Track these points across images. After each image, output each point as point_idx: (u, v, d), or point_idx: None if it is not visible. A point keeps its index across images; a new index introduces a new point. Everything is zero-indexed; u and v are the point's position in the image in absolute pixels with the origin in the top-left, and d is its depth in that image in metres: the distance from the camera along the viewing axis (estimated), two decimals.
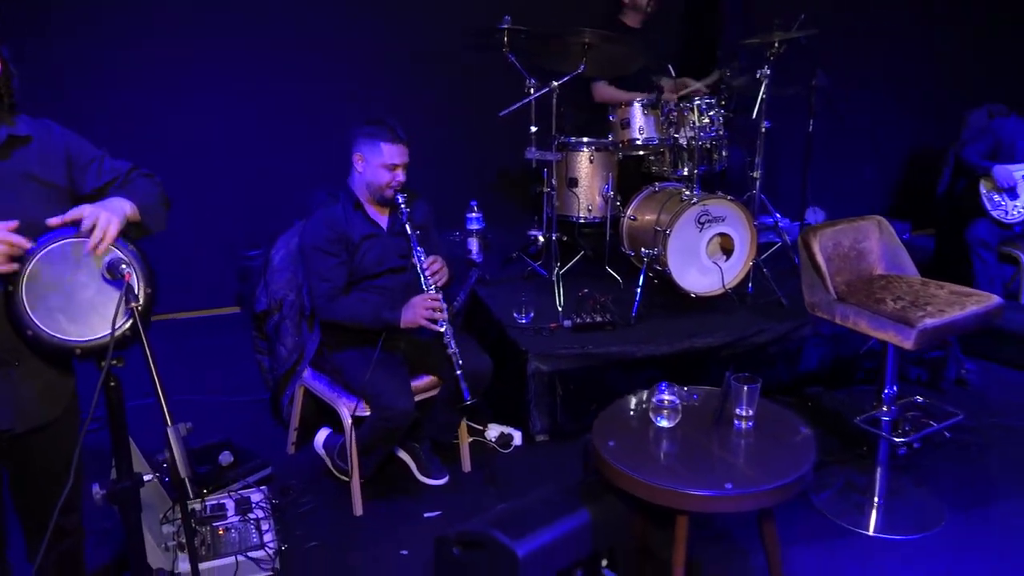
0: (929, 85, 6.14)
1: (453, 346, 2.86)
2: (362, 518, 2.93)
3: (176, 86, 4.68)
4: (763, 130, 4.11)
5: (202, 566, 2.45)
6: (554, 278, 3.90)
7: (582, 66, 3.91)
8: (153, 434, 2.91)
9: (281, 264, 3.21)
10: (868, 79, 5.98)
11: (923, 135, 6.17)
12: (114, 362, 1.69)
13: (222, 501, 2.75)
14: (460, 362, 2.84)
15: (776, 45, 4.06)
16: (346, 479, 2.97)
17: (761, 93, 4.02)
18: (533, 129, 3.98)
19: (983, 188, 4.55)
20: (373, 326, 2.91)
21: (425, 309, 2.84)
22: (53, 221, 1.66)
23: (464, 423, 3.21)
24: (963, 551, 2.69)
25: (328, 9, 4.89)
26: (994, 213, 4.53)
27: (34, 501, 1.96)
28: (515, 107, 3.85)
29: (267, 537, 2.62)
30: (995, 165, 4.47)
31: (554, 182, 4.00)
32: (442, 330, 2.86)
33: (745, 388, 2.33)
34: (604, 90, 4.54)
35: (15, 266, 1.60)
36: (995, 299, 2.74)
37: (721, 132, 3.99)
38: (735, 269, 3.81)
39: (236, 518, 2.69)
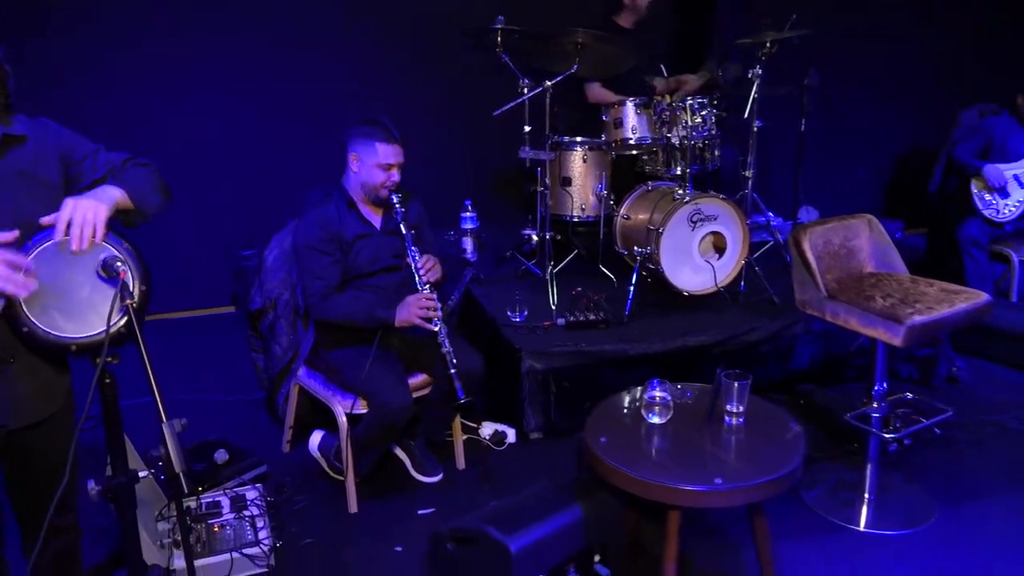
0: (922, 84, 6.17)
1: (447, 345, 2.87)
2: (356, 515, 2.95)
3: (173, 86, 4.69)
4: (755, 129, 4.14)
5: (197, 563, 2.47)
6: (548, 277, 3.92)
7: (575, 66, 3.93)
8: (148, 433, 2.92)
9: (275, 263, 3.22)
10: (861, 79, 6.01)
11: (916, 134, 6.21)
12: (109, 359, 1.70)
13: (217, 499, 2.77)
14: (454, 361, 2.86)
15: (768, 45, 4.09)
16: (342, 479, 2.99)
17: (753, 93, 4.05)
18: (527, 129, 3.99)
19: (974, 187, 4.58)
20: (367, 325, 2.93)
21: (419, 308, 2.86)
22: (46, 220, 1.67)
23: (458, 421, 3.23)
24: (953, 546, 2.72)
25: (324, 10, 4.90)
26: (985, 212, 4.56)
27: (30, 498, 1.97)
28: (509, 107, 3.87)
29: (262, 534, 2.64)
30: (986, 164, 4.50)
31: (548, 181, 4.02)
32: (436, 329, 2.88)
33: (736, 384, 2.35)
34: (597, 91, 4.56)
35: (22, 289, 1.60)
36: (984, 296, 2.77)
37: (714, 132, 4.01)
38: (727, 268, 3.83)
39: (231, 515, 2.71)
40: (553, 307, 3.77)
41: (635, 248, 3.80)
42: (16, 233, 1.63)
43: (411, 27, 5.07)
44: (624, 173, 4.41)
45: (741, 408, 2.38)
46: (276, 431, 3.43)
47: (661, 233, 3.63)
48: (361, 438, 2.91)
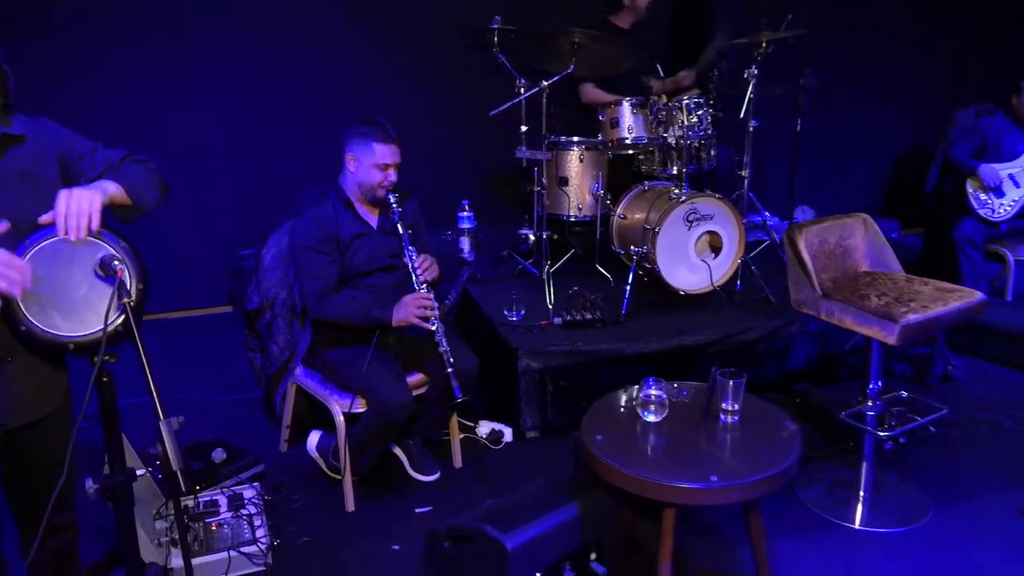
0: (919, 84, 6.19)
1: (444, 344, 2.88)
2: (354, 514, 2.96)
3: (172, 86, 4.70)
4: (751, 129, 4.16)
5: (195, 561, 2.47)
6: (545, 276, 3.93)
7: (572, 66, 3.94)
8: (145, 432, 2.93)
9: (272, 263, 3.23)
10: (857, 78, 6.03)
11: (913, 134, 6.22)
12: (107, 357, 1.71)
13: (215, 497, 2.78)
14: (451, 360, 2.87)
15: (764, 45, 4.10)
16: (340, 478, 2.99)
17: (749, 93, 4.06)
18: (523, 128, 4.01)
19: (970, 187, 4.60)
20: (364, 324, 2.94)
21: (417, 307, 2.87)
22: (45, 218, 1.68)
23: (455, 420, 3.24)
24: (947, 544, 2.73)
25: (321, 10, 4.91)
26: (981, 212, 4.58)
27: (28, 496, 1.97)
28: (505, 107, 3.88)
29: (259, 533, 2.65)
30: (981, 164, 4.52)
31: (544, 181, 4.03)
32: (433, 328, 2.89)
33: (731, 383, 2.36)
34: (591, 91, 4.58)
35: (15, 288, 1.60)
36: (978, 295, 2.78)
37: (710, 131, 4.02)
38: (723, 267, 3.84)
39: (229, 514, 2.71)
40: (550, 306, 3.78)
41: (631, 247, 3.81)
42: (8, 224, 1.64)
43: (408, 27, 5.08)
44: (621, 173, 4.42)
45: (736, 406, 2.39)
46: (273, 430, 3.44)
47: (657, 232, 3.64)
48: (360, 437, 2.92)
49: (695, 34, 5.42)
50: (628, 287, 3.75)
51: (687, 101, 3.92)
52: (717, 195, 3.78)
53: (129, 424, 2.03)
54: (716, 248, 3.84)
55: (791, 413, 2.48)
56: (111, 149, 1.96)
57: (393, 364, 2.97)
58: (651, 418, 2.39)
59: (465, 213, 4.48)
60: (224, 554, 2.55)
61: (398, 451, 3.23)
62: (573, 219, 4.28)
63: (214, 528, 2.65)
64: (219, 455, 3.05)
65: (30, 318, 1.64)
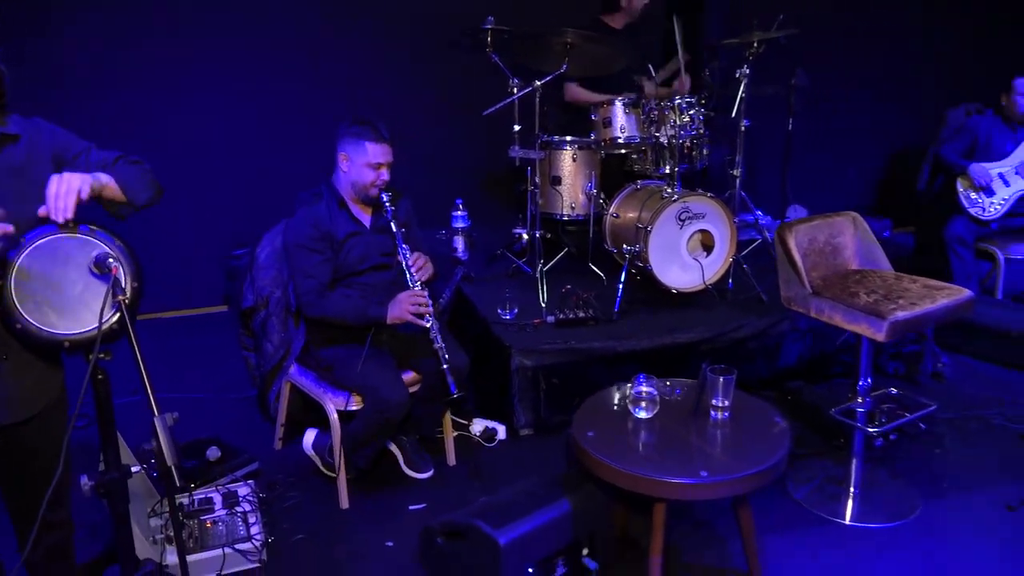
0: (910, 84, 6.23)
1: (439, 341, 2.90)
2: (348, 511, 2.97)
3: (169, 87, 4.71)
4: (743, 129, 4.18)
5: (190, 558, 2.48)
6: (538, 275, 3.95)
7: (564, 66, 3.96)
8: (140, 431, 2.95)
9: (267, 261, 3.24)
10: (849, 78, 6.06)
11: (904, 133, 6.26)
12: (102, 355, 1.72)
13: (209, 495, 2.79)
14: (447, 356, 2.89)
15: (755, 45, 4.13)
16: (335, 476, 3.00)
17: (740, 92, 4.09)
18: (516, 128, 4.03)
19: (960, 186, 4.63)
20: (359, 322, 2.95)
21: (411, 304, 2.89)
22: (43, 211, 1.70)
23: (449, 418, 3.26)
24: (936, 539, 2.76)
25: (316, 11, 4.93)
26: (971, 211, 4.61)
27: (23, 493, 1.99)
28: (499, 106, 3.90)
29: (254, 530, 2.66)
30: (971, 164, 4.55)
31: (538, 180, 4.05)
32: (428, 325, 2.91)
33: (721, 379, 2.39)
34: (575, 90, 4.60)
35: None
36: (966, 292, 2.81)
37: (702, 131, 4.05)
38: (715, 265, 3.87)
39: (223, 511, 2.72)
40: (543, 305, 3.80)
41: (624, 246, 3.83)
42: (11, 227, 1.66)
43: (402, 28, 5.10)
44: (613, 172, 4.44)
45: (727, 403, 2.42)
46: (268, 429, 3.45)
47: (649, 231, 3.67)
48: (358, 435, 2.93)
49: (687, 36, 5.44)
50: (621, 285, 3.78)
51: (679, 101, 3.95)
52: (709, 194, 3.80)
53: (124, 422, 2.05)
54: (708, 247, 3.86)
55: (782, 410, 2.51)
56: (104, 150, 1.98)
57: (388, 361, 2.99)
58: (642, 414, 2.41)
59: (459, 212, 4.49)
60: (219, 551, 2.56)
61: (394, 448, 3.24)
62: (566, 218, 4.30)
63: (209, 525, 2.66)
64: (214, 453, 3.07)
65: (25, 316, 1.66)
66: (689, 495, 2.16)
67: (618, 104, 4.04)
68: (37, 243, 1.68)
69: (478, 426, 3.49)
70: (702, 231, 3.82)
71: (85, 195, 1.71)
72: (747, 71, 4.08)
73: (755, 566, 2.50)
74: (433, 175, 5.14)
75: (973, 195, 4.59)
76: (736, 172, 4.25)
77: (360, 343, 2.96)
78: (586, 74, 4.39)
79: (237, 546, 2.59)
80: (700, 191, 3.85)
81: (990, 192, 4.55)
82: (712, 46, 4.99)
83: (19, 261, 1.66)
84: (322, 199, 3.01)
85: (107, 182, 1.83)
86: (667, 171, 3.96)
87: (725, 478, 2.13)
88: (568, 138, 4.22)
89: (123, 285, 1.69)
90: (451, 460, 3.28)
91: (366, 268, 3.03)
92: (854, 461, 2.96)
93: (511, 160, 4.02)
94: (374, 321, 2.94)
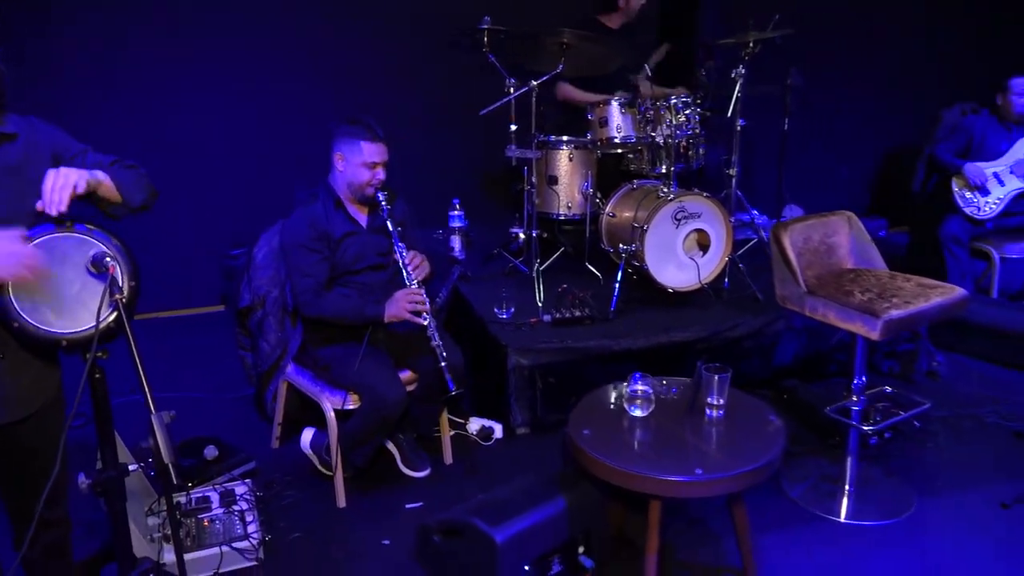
0: (906, 83, 6.24)
1: (437, 339, 2.91)
2: (345, 510, 2.98)
3: (168, 87, 4.72)
4: (738, 128, 4.19)
5: (187, 556, 2.50)
6: (535, 274, 3.96)
7: (560, 66, 3.98)
8: (137, 430, 2.97)
9: (264, 261, 3.25)
10: (845, 78, 6.08)
11: (900, 133, 6.27)
12: (99, 354, 1.74)
13: (207, 494, 2.80)
14: (444, 354, 2.90)
15: (751, 45, 4.14)
16: (332, 474, 3.01)
17: (736, 92, 4.10)
18: (513, 128, 4.04)
19: (955, 186, 4.64)
20: (356, 321, 2.96)
21: (408, 303, 2.91)
22: (40, 204, 1.71)
23: (445, 417, 3.27)
24: (930, 536, 2.78)
25: (311, 11, 4.93)
26: (966, 210, 4.62)
27: (20, 492, 2.00)
28: (495, 106, 3.91)
29: (251, 528, 2.68)
30: (966, 163, 4.57)
31: (534, 180, 4.06)
32: (425, 323, 2.92)
33: (716, 378, 2.40)
34: (567, 90, 4.61)
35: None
36: (959, 291, 2.83)
37: (697, 130, 4.06)
38: (711, 264, 3.88)
39: (220, 510, 2.74)
40: (540, 304, 3.81)
41: (620, 245, 3.84)
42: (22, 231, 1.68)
43: (399, 28, 5.11)
44: (610, 171, 4.45)
45: (722, 401, 2.43)
46: (265, 428, 3.46)
47: (646, 231, 3.68)
48: (356, 433, 2.94)
49: (682, 36, 5.47)
50: (617, 285, 3.79)
51: (675, 100, 3.96)
52: (705, 193, 3.82)
53: (121, 422, 2.06)
54: (704, 246, 3.87)
55: (778, 409, 2.52)
56: (101, 153, 1.99)
57: (385, 360, 3.00)
58: (638, 413, 2.42)
59: (456, 212, 4.51)
60: (216, 549, 2.58)
61: (391, 446, 3.25)
62: (563, 217, 4.31)
63: (206, 524, 2.68)
64: (211, 452, 3.07)
65: (23, 315, 1.67)
66: (684, 493, 2.17)
67: (614, 104, 4.05)
68: (35, 242, 1.69)
69: (475, 425, 3.50)
70: (698, 230, 3.83)
71: (81, 189, 1.72)
72: (743, 71, 4.09)
73: (750, 563, 2.51)
74: (430, 175, 5.15)
75: (968, 194, 4.60)
76: (732, 172, 4.26)
77: (357, 342, 2.97)
78: (582, 74, 4.39)
79: (234, 544, 2.61)
80: (696, 190, 3.87)
81: (985, 191, 4.56)
82: (708, 46, 5.01)
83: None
84: (318, 199, 3.02)
85: (103, 179, 1.84)
86: (663, 171, 3.97)
87: (720, 476, 2.14)
88: (565, 138, 4.23)
89: (120, 284, 1.71)
90: (448, 459, 3.29)
91: (362, 268, 3.04)
92: (849, 459, 2.97)
93: (508, 160, 4.03)
94: (371, 320, 2.95)
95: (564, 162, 4.23)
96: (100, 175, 1.84)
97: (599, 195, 4.19)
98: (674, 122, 3.93)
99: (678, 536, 2.76)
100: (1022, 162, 4.52)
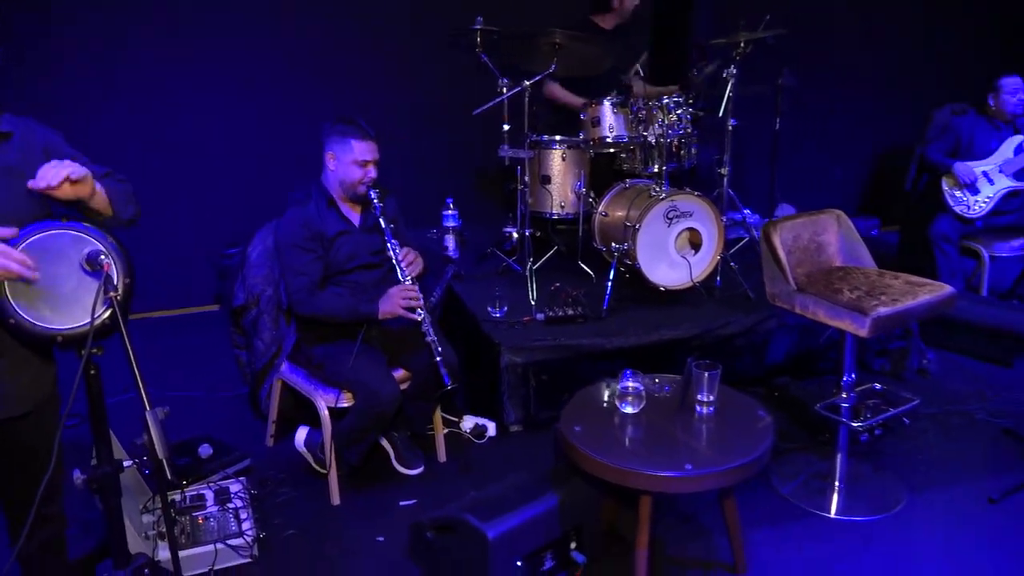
0: (898, 84, 6.28)
1: (432, 334, 2.93)
2: (339, 507, 3.00)
3: (164, 87, 4.73)
4: (730, 128, 4.22)
5: (182, 554, 2.51)
6: (528, 273, 3.98)
7: (553, 66, 4.00)
8: (132, 429, 2.95)
9: (258, 260, 3.27)
10: (838, 78, 6.11)
11: (892, 133, 6.31)
12: (94, 350, 1.76)
13: (201, 492, 2.82)
14: (439, 349, 2.92)
15: (743, 45, 4.17)
16: (326, 472, 3.03)
17: (728, 92, 4.13)
18: (506, 127, 4.06)
19: (945, 185, 4.68)
20: (350, 319, 2.98)
21: (402, 299, 2.93)
22: (32, 183, 1.73)
23: (439, 415, 3.29)
24: (918, 531, 2.81)
25: (306, 11, 4.95)
26: (956, 209, 4.66)
27: (16, 488, 2.01)
28: (488, 106, 3.93)
29: (245, 525, 2.69)
30: (956, 162, 4.60)
31: (527, 179, 4.08)
32: (420, 319, 2.94)
33: (706, 374, 2.42)
34: (556, 90, 4.63)
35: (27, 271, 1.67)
36: (947, 288, 2.86)
37: (689, 130, 4.08)
38: (703, 263, 3.91)
39: (215, 508, 2.76)
40: (533, 303, 3.83)
41: (613, 244, 3.86)
42: (14, 230, 1.69)
43: (393, 28, 5.13)
44: (603, 171, 4.48)
45: (711, 397, 2.45)
46: (260, 426, 3.47)
47: (638, 229, 3.70)
48: (350, 431, 2.96)
49: (675, 36, 5.49)
50: (610, 283, 3.81)
51: (667, 100, 3.99)
52: (696, 192, 3.84)
53: (115, 420, 2.07)
54: (696, 245, 3.90)
55: (770, 406, 2.55)
56: (95, 164, 2.01)
57: (379, 358, 3.02)
58: (628, 409, 2.45)
59: (450, 211, 4.52)
60: (211, 546, 2.60)
61: (385, 444, 3.27)
62: (556, 217, 4.33)
63: (201, 521, 2.69)
64: (206, 451, 3.09)
65: (19, 311, 1.69)
66: (674, 488, 2.20)
67: (606, 104, 4.07)
68: (30, 239, 1.70)
69: (468, 423, 3.52)
70: (690, 229, 3.86)
71: (76, 176, 1.73)
72: (734, 71, 4.11)
73: (740, 558, 2.55)
74: (424, 174, 5.18)
75: (958, 193, 4.64)
76: (724, 171, 4.29)
77: (351, 340, 2.99)
78: (575, 74, 4.42)
79: (229, 542, 2.62)
80: (688, 190, 3.89)
81: (975, 190, 4.60)
82: (701, 46, 5.03)
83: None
84: (311, 199, 3.04)
85: (98, 189, 1.86)
86: (655, 170, 3.99)
87: (709, 471, 2.17)
88: (557, 137, 4.25)
89: (115, 281, 1.73)
90: (442, 457, 3.31)
91: (355, 267, 3.06)
92: (839, 456, 3.00)
93: (501, 159, 4.05)
94: (365, 317, 2.96)
95: (557, 162, 4.25)
96: (97, 184, 1.85)
97: (592, 194, 4.21)
98: (666, 122, 3.95)
99: (669, 532, 2.78)
100: (1011, 161, 4.55)
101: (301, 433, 3.28)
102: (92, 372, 1.80)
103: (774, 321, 3.80)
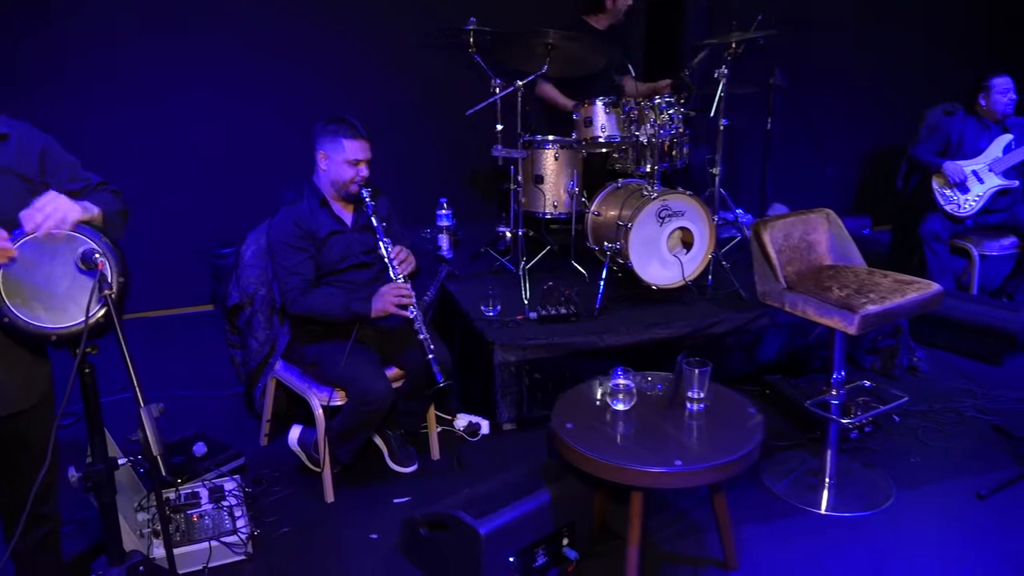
0: (890, 83, 6.30)
1: (424, 332, 2.95)
2: (333, 505, 3.02)
3: (157, 87, 4.73)
4: (721, 128, 4.25)
5: (177, 551, 2.53)
6: (521, 272, 4.00)
7: (545, 66, 4.02)
8: (127, 428, 3.00)
9: (252, 259, 3.28)
10: (832, 78, 6.13)
11: (885, 133, 6.34)
12: (88, 349, 1.77)
13: (196, 489, 2.83)
14: (431, 347, 2.94)
15: (734, 45, 4.19)
16: (320, 470, 3.04)
17: (719, 92, 4.15)
18: (499, 127, 4.08)
19: (935, 184, 4.71)
20: (343, 318, 3.00)
21: (394, 296, 2.95)
22: (23, 215, 1.74)
23: (432, 413, 3.31)
24: (907, 526, 2.84)
25: (302, 11, 4.96)
26: (946, 207, 4.68)
27: (11, 486, 2.02)
28: (481, 106, 3.95)
29: (240, 523, 2.71)
30: (945, 161, 4.63)
31: (520, 179, 4.10)
32: (412, 316, 2.96)
33: (696, 371, 2.45)
34: (547, 90, 4.65)
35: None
36: (935, 286, 2.88)
37: (681, 130, 4.11)
38: (695, 262, 3.93)
39: (210, 506, 2.77)
40: (526, 301, 3.85)
41: (605, 244, 3.88)
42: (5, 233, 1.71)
43: (386, 28, 5.14)
44: (595, 171, 4.50)
45: (702, 394, 2.48)
46: (254, 425, 3.49)
47: (630, 228, 3.73)
48: (343, 428, 2.98)
49: (668, 36, 5.52)
50: (602, 282, 3.83)
51: (658, 100, 4.01)
52: (688, 192, 3.87)
53: (110, 420, 2.09)
54: (688, 244, 3.92)
55: (761, 404, 2.57)
56: (89, 171, 2.03)
57: (371, 357, 3.03)
58: (620, 406, 2.47)
59: (443, 211, 4.54)
60: (205, 544, 2.62)
61: (379, 442, 3.29)
62: (549, 216, 4.35)
63: (195, 519, 2.71)
64: (200, 449, 3.11)
65: (13, 310, 1.70)
66: (664, 483, 2.22)
67: (599, 104, 4.09)
68: (26, 239, 1.72)
69: (462, 421, 3.54)
70: (682, 228, 3.88)
71: (67, 225, 1.75)
72: (725, 71, 4.14)
73: (731, 553, 2.57)
74: (418, 174, 5.19)
75: (948, 192, 4.66)
76: (715, 171, 4.31)
77: (344, 339, 3.00)
78: (567, 75, 4.44)
79: (223, 539, 2.64)
80: (680, 189, 3.92)
81: (964, 189, 4.63)
82: (695, 47, 5.06)
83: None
84: (303, 198, 3.06)
85: (96, 214, 1.87)
86: (647, 170, 4.01)
87: (699, 467, 2.19)
88: (550, 137, 4.27)
89: (109, 280, 1.74)
90: (435, 454, 3.33)
91: (348, 266, 3.08)
92: (828, 452, 3.03)
93: (495, 159, 4.07)
94: (358, 316, 2.98)
95: (550, 161, 4.27)
96: (94, 211, 1.86)
97: (585, 194, 4.23)
98: (658, 122, 3.97)
99: (661, 528, 2.81)
100: (1000, 159, 4.59)
101: (294, 432, 3.29)
102: (87, 371, 1.82)
103: (766, 319, 3.82)
